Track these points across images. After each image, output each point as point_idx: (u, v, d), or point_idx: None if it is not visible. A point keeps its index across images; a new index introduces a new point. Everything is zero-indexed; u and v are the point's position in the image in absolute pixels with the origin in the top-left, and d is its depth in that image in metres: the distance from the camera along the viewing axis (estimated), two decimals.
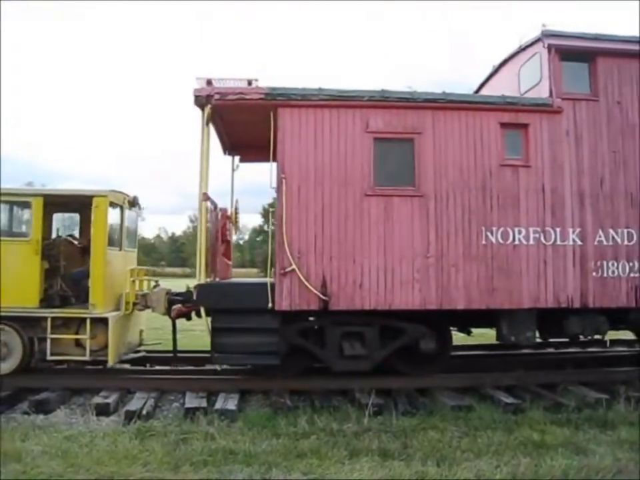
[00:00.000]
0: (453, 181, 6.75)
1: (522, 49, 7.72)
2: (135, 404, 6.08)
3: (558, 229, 6.90)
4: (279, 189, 6.55)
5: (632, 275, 7.02)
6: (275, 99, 6.60)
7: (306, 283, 6.43)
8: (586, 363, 8.24)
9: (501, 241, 6.78)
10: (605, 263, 6.96)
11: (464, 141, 6.81)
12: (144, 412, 5.83)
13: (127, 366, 7.97)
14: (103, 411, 5.98)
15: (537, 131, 6.94)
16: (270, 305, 6.45)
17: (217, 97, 6.56)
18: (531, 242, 6.83)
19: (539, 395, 6.64)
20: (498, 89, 8.46)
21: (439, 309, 6.66)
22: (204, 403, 6.10)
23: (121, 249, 7.73)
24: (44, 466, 4.30)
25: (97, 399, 6.26)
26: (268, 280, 6.61)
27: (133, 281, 7.44)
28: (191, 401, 6.23)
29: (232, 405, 6.07)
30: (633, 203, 7.09)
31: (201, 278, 6.60)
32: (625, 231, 7.05)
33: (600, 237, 6.98)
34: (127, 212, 7.82)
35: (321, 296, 6.46)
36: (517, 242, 6.80)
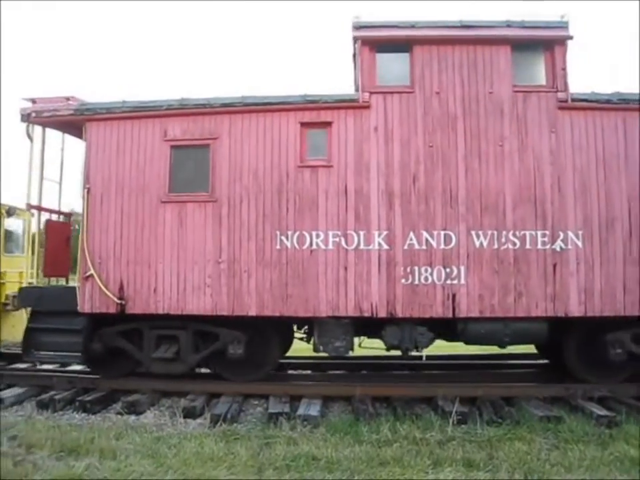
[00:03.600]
0: (247, 185, 6.64)
1: (354, 44, 7.32)
2: (220, 408, 6.19)
3: (362, 233, 6.48)
4: (83, 199, 6.93)
5: (449, 282, 6.38)
6: (84, 114, 7.00)
7: (102, 287, 6.73)
8: None
9: (296, 245, 6.54)
10: (416, 268, 6.41)
11: (261, 144, 6.66)
12: (229, 415, 5.94)
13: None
14: (190, 413, 6.14)
15: (341, 129, 6.58)
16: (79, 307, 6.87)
17: (33, 114, 7.13)
18: (330, 246, 6.49)
19: (636, 407, 6.09)
20: None
21: (231, 315, 6.60)
22: (287, 408, 6.11)
23: None
24: (136, 465, 4.46)
25: (185, 402, 6.44)
26: (77, 284, 7.02)
27: (3, 283, 8.30)
28: (275, 405, 6.27)
29: (314, 410, 6.04)
30: (452, 201, 6.44)
31: (29, 281, 7.22)
32: (442, 233, 6.42)
33: (411, 240, 6.43)
34: (5, 220, 8.73)
35: (116, 300, 6.72)
36: (314, 246, 6.51)
